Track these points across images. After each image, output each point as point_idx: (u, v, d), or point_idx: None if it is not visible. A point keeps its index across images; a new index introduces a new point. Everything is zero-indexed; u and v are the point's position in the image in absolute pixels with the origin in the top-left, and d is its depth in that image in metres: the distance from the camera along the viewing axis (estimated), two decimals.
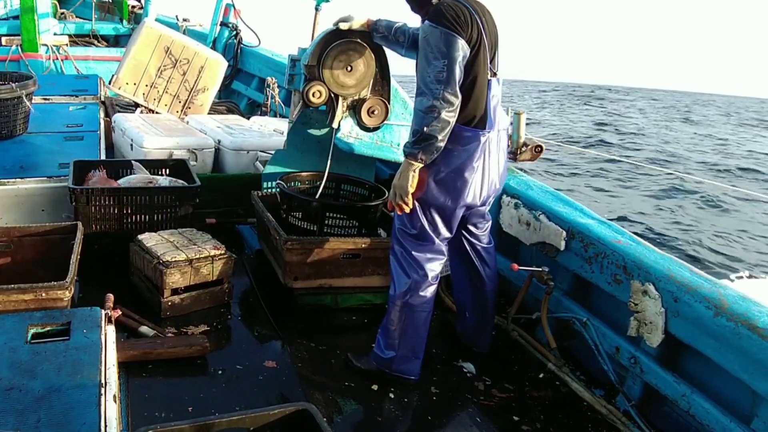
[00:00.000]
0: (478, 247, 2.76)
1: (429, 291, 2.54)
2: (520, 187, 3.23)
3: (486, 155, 2.44)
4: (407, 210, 2.48)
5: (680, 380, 2.35)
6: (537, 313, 2.91)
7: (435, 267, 2.54)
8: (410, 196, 2.44)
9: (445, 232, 2.53)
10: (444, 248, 2.57)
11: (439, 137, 2.31)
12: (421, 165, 2.39)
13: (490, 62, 2.43)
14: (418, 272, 2.52)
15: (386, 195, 3.34)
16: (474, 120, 2.41)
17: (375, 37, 3.09)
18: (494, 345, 2.94)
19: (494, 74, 2.45)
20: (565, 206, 3.03)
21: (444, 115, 2.28)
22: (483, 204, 2.61)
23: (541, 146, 3.09)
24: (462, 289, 2.87)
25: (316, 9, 3.99)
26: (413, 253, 2.52)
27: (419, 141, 2.33)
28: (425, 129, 2.30)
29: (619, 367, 2.62)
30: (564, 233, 2.86)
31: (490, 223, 2.79)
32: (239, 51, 6.88)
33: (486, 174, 2.48)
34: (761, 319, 2.07)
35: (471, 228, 2.73)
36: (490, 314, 2.88)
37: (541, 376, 2.75)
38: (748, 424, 2.10)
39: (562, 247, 2.86)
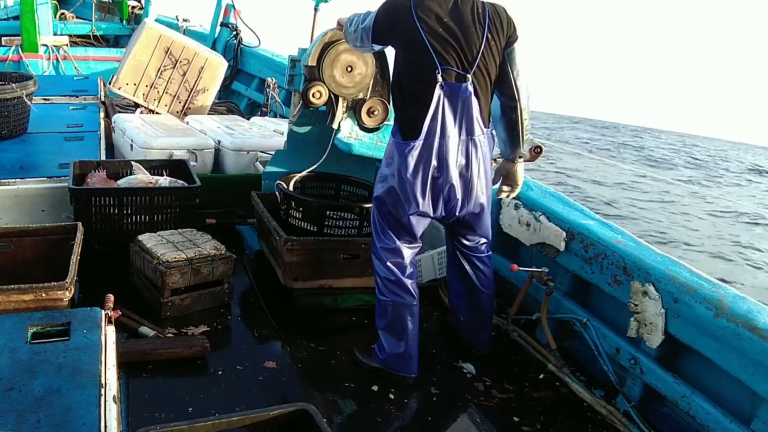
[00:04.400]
0: (472, 258, 2.74)
1: (401, 287, 2.56)
2: None
3: (427, 165, 2.41)
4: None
5: (680, 381, 2.35)
6: (537, 314, 2.91)
7: (399, 264, 2.57)
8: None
9: (405, 235, 2.56)
10: (406, 249, 2.57)
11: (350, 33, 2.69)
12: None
13: (455, 65, 2.37)
14: (384, 270, 2.57)
15: None
16: (404, 128, 2.44)
17: None
18: (494, 346, 2.94)
19: (461, 78, 2.38)
20: (565, 207, 3.03)
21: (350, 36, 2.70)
22: (453, 215, 2.55)
23: (540, 147, 3.08)
24: (457, 294, 2.86)
25: (315, 9, 4.00)
26: (380, 251, 2.59)
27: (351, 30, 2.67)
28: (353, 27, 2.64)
29: (619, 367, 2.62)
30: (564, 234, 2.86)
31: (484, 238, 2.73)
32: (239, 51, 6.88)
33: (433, 184, 2.44)
34: (761, 320, 2.07)
35: (462, 239, 2.72)
36: (487, 316, 2.86)
37: (541, 376, 2.75)
38: (748, 425, 2.10)
39: (562, 248, 2.86)
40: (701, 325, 2.23)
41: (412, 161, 2.41)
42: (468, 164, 2.46)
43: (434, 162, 2.42)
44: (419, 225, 2.56)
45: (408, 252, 2.59)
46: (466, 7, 2.39)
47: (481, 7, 2.43)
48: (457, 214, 2.55)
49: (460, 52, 2.38)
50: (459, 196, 2.49)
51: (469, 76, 2.40)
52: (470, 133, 2.44)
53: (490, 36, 2.41)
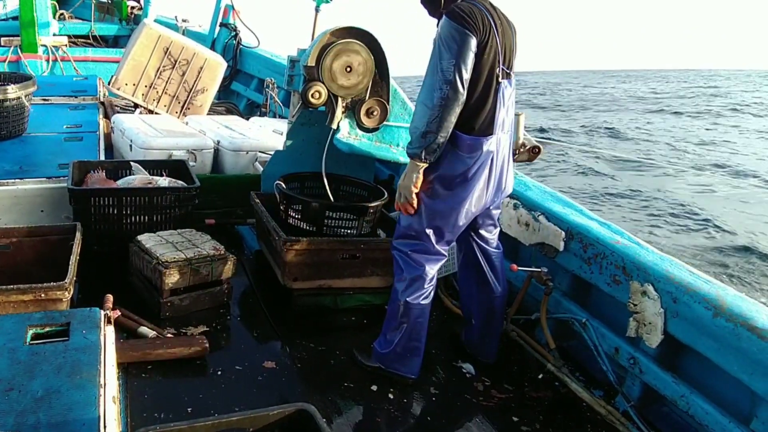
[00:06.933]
0: (489, 252, 2.73)
1: (427, 290, 2.55)
2: (519, 187, 3.23)
3: (490, 161, 2.43)
4: (412, 211, 2.49)
5: (679, 381, 2.35)
6: (536, 314, 2.91)
7: (433, 267, 2.55)
8: (415, 197, 2.44)
9: (448, 236, 2.53)
10: (444, 250, 2.56)
11: (441, 133, 2.31)
12: (426, 164, 2.39)
13: (504, 64, 2.40)
14: (416, 271, 2.52)
15: (385, 195, 3.34)
16: (476, 126, 2.38)
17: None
18: None
19: (507, 75, 2.43)
20: (564, 207, 3.03)
21: (447, 111, 2.28)
22: (491, 207, 2.60)
23: (538, 147, 3.09)
24: (469, 295, 2.84)
25: (317, 10, 3.99)
26: (410, 253, 2.53)
27: (422, 138, 2.33)
28: (427, 125, 2.31)
29: (619, 367, 2.62)
30: (563, 234, 2.86)
31: (498, 229, 2.77)
32: (238, 52, 6.89)
33: (491, 180, 2.47)
34: (760, 320, 2.07)
35: (482, 232, 2.71)
36: (497, 322, 2.83)
37: (540, 376, 2.75)
38: (747, 424, 2.11)
39: (561, 248, 2.87)
40: (700, 325, 2.23)
41: (482, 157, 2.40)
42: (509, 155, 2.55)
43: (498, 155, 2.46)
44: (461, 227, 2.55)
45: (445, 252, 2.57)
46: (498, 10, 2.45)
47: (501, 11, 2.48)
48: (495, 206, 2.63)
49: (507, 51, 2.43)
50: (504, 185, 2.57)
51: (511, 73, 2.46)
52: (509, 126, 2.53)
53: (516, 38, 2.50)
